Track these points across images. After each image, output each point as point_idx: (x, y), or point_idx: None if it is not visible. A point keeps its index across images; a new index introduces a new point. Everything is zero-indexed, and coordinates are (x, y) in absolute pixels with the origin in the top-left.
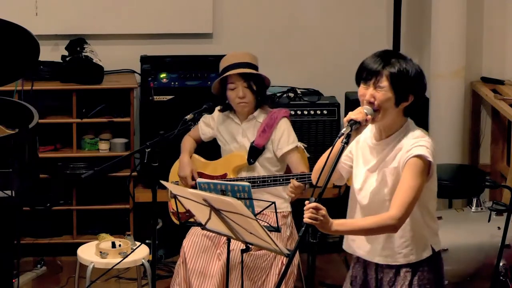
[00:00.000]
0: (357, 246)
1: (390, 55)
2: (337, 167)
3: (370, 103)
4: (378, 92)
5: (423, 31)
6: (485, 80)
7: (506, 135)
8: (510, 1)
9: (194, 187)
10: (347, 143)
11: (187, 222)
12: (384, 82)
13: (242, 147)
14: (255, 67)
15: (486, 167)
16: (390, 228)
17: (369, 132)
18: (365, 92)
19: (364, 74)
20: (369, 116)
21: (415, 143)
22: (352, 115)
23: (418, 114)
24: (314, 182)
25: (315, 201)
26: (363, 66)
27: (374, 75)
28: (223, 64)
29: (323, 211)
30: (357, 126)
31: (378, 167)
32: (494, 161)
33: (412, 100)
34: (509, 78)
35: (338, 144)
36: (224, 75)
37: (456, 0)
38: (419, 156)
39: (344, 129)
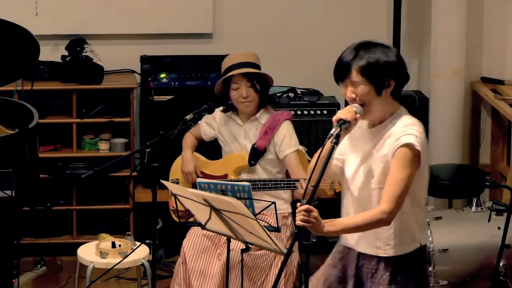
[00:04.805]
0: (350, 236)
1: (359, 47)
2: (330, 165)
3: (354, 100)
4: (355, 87)
5: (423, 31)
6: (485, 80)
7: (506, 135)
8: (510, 1)
9: (194, 186)
10: (337, 143)
11: (187, 222)
12: (356, 77)
13: (243, 148)
14: (257, 66)
15: (486, 167)
16: (382, 222)
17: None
18: (345, 90)
19: (335, 73)
20: (358, 115)
21: (405, 131)
22: (341, 114)
23: (418, 114)
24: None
25: (306, 203)
26: (335, 64)
27: (345, 72)
28: (225, 64)
29: (315, 213)
30: (346, 126)
31: (368, 155)
32: (494, 161)
33: (394, 84)
34: (509, 78)
35: (328, 144)
36: (227, 75)
37: (456, 0)
38: (408, 145)
39: (333, 129)
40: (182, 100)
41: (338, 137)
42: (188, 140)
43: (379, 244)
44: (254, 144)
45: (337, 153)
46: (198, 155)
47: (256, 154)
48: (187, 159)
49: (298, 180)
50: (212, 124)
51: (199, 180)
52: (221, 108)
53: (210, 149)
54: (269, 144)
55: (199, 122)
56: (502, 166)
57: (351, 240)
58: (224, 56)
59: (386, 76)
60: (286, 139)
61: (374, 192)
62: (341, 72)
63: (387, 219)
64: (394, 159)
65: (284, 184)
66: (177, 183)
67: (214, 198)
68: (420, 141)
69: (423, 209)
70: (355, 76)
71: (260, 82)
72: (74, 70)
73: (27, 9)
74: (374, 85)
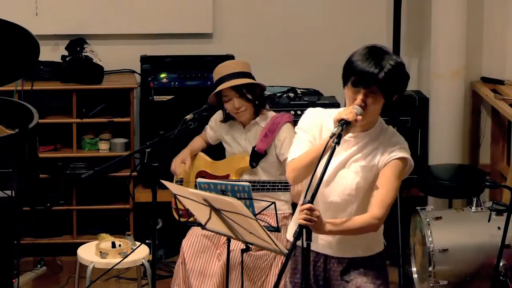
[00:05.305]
0: (313, 240)
1: (379, 55)
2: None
3: (362, 108)
4: (369, 96)
5: (423, 31)
6: (485, 80)
7: (506, 135)
8: (510, 1)
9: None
10: (338, 143)
11: (187, 222)
12: (377, 90)
13: (245, 151)
14: (246, 74)
15: (486, 167)
16: (373, 227)
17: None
18: (355, 96)
19: (354, 78)
20: (359, 117)
21: (397, 144)
22: (343, 114)
23: (418, 114)
24: (292, 181)
25: (308, 202)
26: (354, 69)
27: (368, 81)
28: (215, 76)
29: (317, 212)
30: (348, 126)
31: (349, 161)
32: (494, 161)
33: (395, 98)
34: (509, 78)
35: (330, 144)
36: (216, 90)
37: (456, 0)
38: (403, 159)
39: (335, 129)
40: (182, 100)
41: (339, 137)
42: (195, 142)
43: (349, 246)
44: (254, 146)
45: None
46: (203, 155)
47: (256, 156)
48: (180, 155)
49: None
50: (214, 128)
51: (199, 180)
52: (220, 118)
53: (215, 150)
54: (270, 147)
55: (206, 127)
56: (502, 166)
57: (317, 244)
58: (224, 56)
59: (397, 90)
60: (286, 142)
61: (354, 198)
62: (361, 80)
63: (377, 225)
64: (388, 169)
65: (281, 186)
66: (181, 182)
67: (214, 198)
68: (410, 155)
69: None
70: (376, 89)
71: (251, 88)
72: (74, 70)
73: (27, 9)
74: (387, 99)
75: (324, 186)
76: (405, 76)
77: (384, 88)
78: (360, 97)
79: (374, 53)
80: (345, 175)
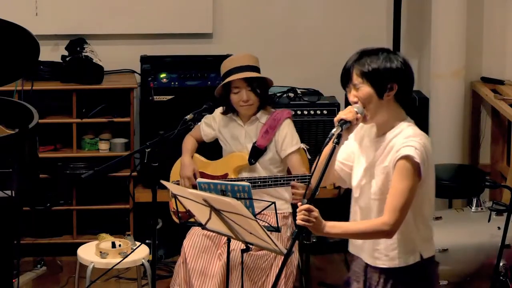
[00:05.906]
0: (360, 247)
1: (362, 52)
2: (335, 168)
3: (356, 104)
4: (357, 91)
5: (423, 31)
6: (485, 80)
7: (506, 135)
8: (510, 1)
9: (194, 186)
10: (338, 143)
11: (187, 222)
12: (357, 79)
13: (244, 148)
14: (257, 69)
15: (486, 167)
16: (384, 233)
17: (372, 129)
18: (350, 95)
19: (341, 78)
20: (359, 115)
21: (405, 143)
22: (342, 114)
23: (418, 114)
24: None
25: (307, 203)
26: (342, 70)
27: (347, 76)
28: (225, 67)
29: (316, 213)
30: (347, 126)
31: (373, 164)
32: (494, 161)
33: (397, 88)
34: (509, 78)
35: (330, 144)
36: (227, 80)
37: (456, 0)
38: (407, 157)
39: (334, 129)
40: (182, 100)
41: (339, 137)
42: (188, 143)
43: (378, 254)
44: (255, 142)
45: (344, 158)
46: (198, 156)
47: (257, 152)
48: (186, 164)
49: (297, 176)
50: (212, 125)
51: (199, 180)
52: (220, 109)
53: (211, 149)
54: (270, 143)
55: (198, 123)
56: (502, 166)
57: (354, 248)
58: (224, 56)
59: (387, 79)
60: (287, 138)
61: (374, 202)
62: (344, 76)
63: (388, 231)
64: (395, 171)
65: (284, 180)
66: (178, 182)
67: (214, 199)
68: (419, 153)
69: (427, 224)
70: (355, 78)
71: (260, 84)
72: (74, 70)
73: (27, 9)
74: (375, 87)
75: (355, 190)
76: (396, 65)
77: (364, 77)
78: (351, 93)
79: (361, 50)
80: (367, 179)
